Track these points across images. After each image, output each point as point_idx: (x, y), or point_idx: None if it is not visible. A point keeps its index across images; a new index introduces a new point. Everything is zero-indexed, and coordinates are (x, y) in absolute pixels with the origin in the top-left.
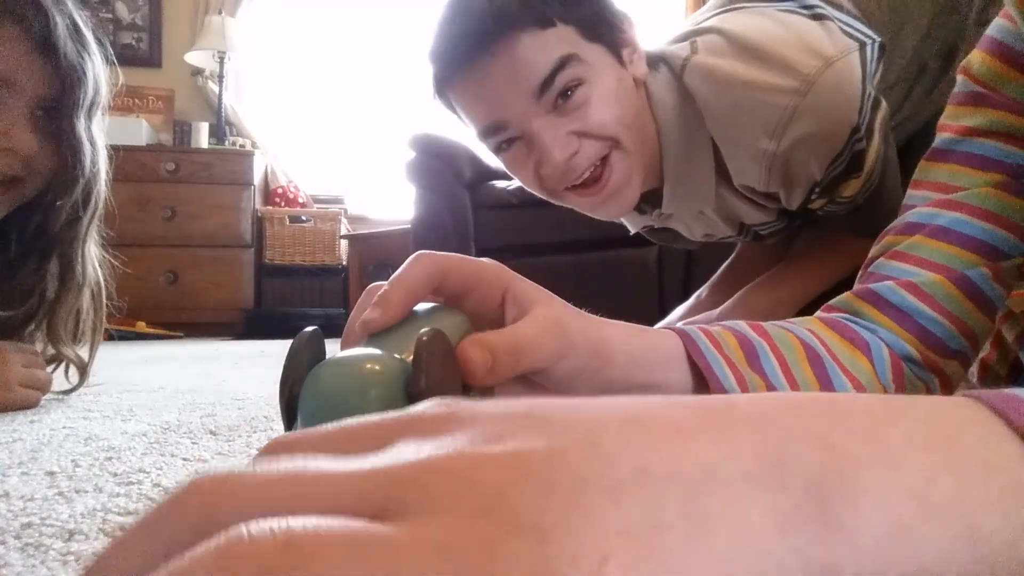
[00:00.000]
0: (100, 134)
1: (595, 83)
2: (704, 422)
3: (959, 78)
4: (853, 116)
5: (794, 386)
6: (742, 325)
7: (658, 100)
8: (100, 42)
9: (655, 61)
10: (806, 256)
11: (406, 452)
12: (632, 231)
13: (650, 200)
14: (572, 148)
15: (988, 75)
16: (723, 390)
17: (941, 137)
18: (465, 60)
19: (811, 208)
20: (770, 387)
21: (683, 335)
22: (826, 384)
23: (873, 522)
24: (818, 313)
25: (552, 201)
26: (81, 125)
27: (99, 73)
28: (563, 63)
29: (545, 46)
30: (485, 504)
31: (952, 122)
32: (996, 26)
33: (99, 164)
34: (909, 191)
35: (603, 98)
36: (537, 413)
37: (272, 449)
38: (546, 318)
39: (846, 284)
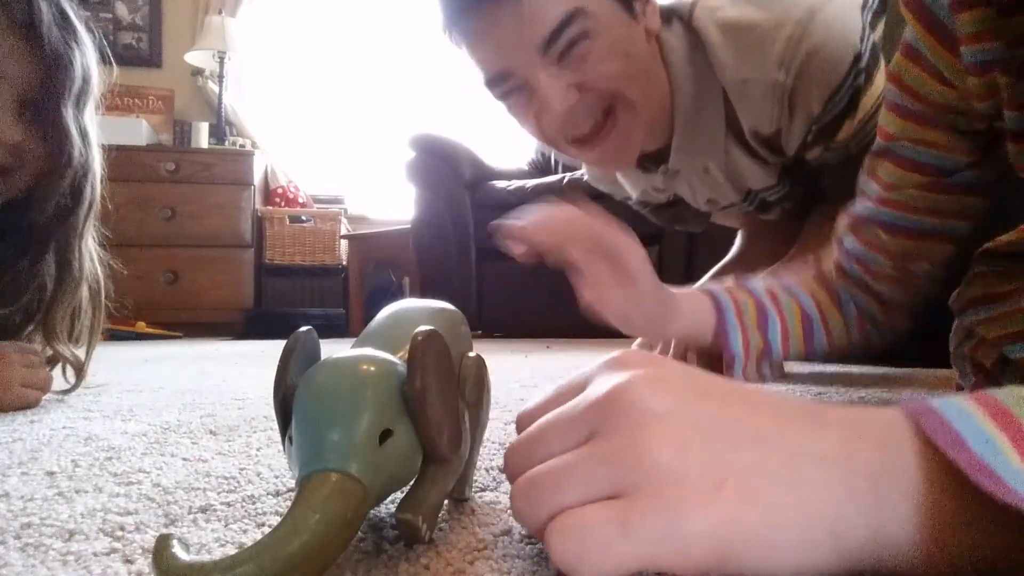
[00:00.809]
0: (92, 126)
1: (601, 37)
2: (805, 418)
3: (887, 85)
4: (855, 41)
5: (786, 341)
6: (760, 291)
7: (670, 49)
8: (92, 32)
9: (667, 15)
10: (817, 238)
11: (599, 387)
12: (633, 196)
13: (656, 159)
14: (571, 100)
15: (913, 81)
16: (730, 350)
17: (878, 140)
18: (471, 5)
19: (808, 159)
20: (767, 345)
21: (716, 306)
22: (808, 339)
23: (902, 500)
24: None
25: (555, 152)
26: (69, 114)
27: (89, 63)
28: (570, 18)
29: None
30: (646, 421)
31: (884, 126)
32: (909, 30)
33: (91, 156)
34: (862, 175)
35: (607, 52)
36: (702, 383)
37: (525, 419)
38: None
39: None
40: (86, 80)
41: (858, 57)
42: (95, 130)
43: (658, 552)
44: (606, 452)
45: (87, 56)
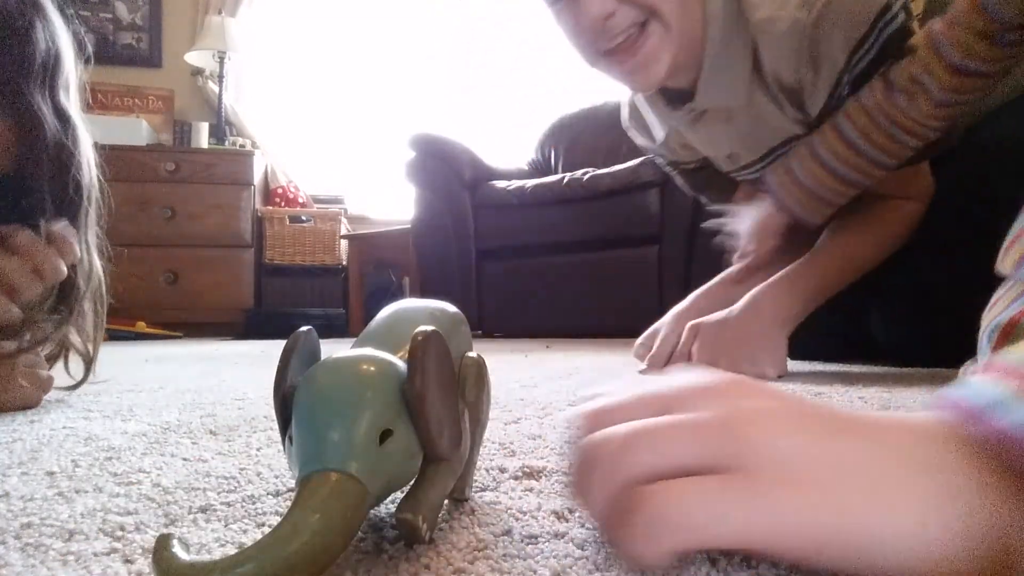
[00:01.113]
0: (74, 109)
1: None
2: (893, 435)
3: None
4: None
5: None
6: (807, 180)
7: None
8: (66, 16)
9: None
10: (850, 228)
11: (685, 378)
12: (658, 138)
13: (682, 99)
14: (609, 8)
15: None
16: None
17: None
18: None
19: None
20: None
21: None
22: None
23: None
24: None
25: (591, 67)
26: (34, 91)
27: (58, 42)
28: None
29: None
30: (741, 398)
31: None
32: None
33: (78, 141)
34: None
35: None
36: (789, 403)
37: (598, 416)
38: None
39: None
40: (55, 57)
41: (886, 8)
42: (78, 113)
43: (758, 532)
44: (710, 423)
45: (55, 33)
